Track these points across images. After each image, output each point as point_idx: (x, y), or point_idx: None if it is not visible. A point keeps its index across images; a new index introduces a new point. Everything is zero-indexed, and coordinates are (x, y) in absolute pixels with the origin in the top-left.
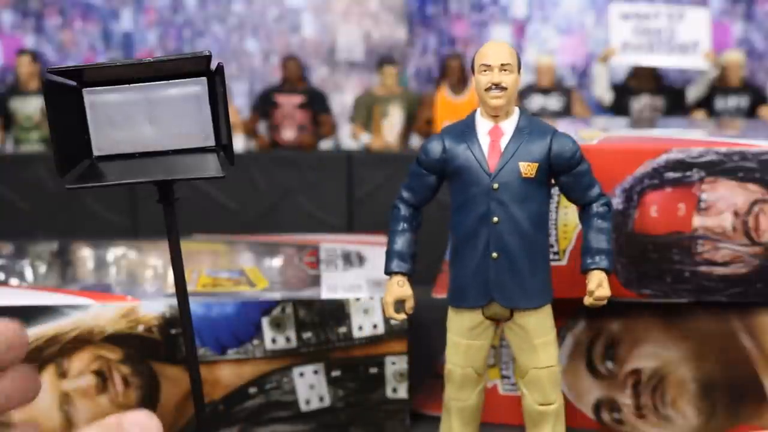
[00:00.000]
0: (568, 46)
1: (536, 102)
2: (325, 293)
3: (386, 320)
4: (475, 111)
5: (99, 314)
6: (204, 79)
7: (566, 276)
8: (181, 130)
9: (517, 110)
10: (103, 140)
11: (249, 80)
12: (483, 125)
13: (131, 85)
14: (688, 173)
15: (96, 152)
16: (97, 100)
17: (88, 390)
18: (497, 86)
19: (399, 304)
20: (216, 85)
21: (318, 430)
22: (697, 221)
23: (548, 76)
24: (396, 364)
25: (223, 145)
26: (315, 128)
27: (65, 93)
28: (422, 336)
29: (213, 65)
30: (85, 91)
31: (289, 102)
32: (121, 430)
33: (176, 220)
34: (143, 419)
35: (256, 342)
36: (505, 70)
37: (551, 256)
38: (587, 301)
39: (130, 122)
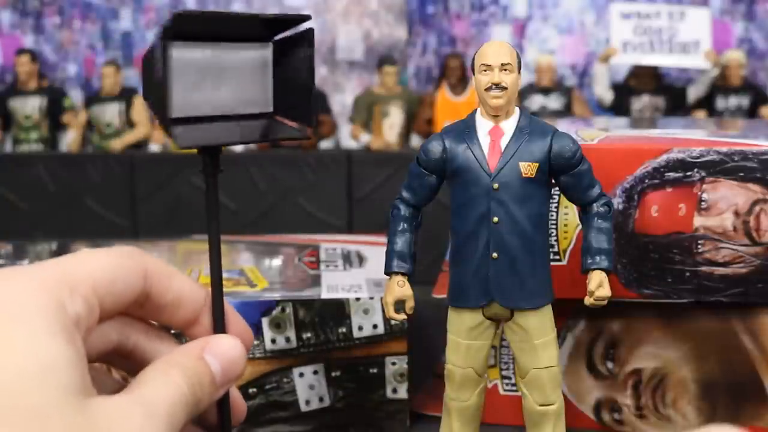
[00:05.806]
0: (568, 45)
1: (536, 102)
2: (325, 293)
3: (386, 320)
4: (475, 111)
5: None
6: (270, 44)
7: (566, 276)
8: (245, 95)
9: (517, 110)
10: (180, 101)
11: None
12: (483, 125)
13: (210, 42)
14: (688, 173)
15: (175, 113)
16: (178, 56)
17: None
18: (497, 86)
19: (399, 304)
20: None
21: (318, 430)
22: (698, 221)
23: (548, 75)
24: (396, 365)
25: (288, 110)
26: (315, 128)
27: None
28: (422, 336)
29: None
30: (173, 44)
31: None
32: (202, 362)
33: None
34: (226, 348)
35: (255, 342)
36: (505, 70)
37: (551, 256)
38: (587, 301)
39: (205, 83)
